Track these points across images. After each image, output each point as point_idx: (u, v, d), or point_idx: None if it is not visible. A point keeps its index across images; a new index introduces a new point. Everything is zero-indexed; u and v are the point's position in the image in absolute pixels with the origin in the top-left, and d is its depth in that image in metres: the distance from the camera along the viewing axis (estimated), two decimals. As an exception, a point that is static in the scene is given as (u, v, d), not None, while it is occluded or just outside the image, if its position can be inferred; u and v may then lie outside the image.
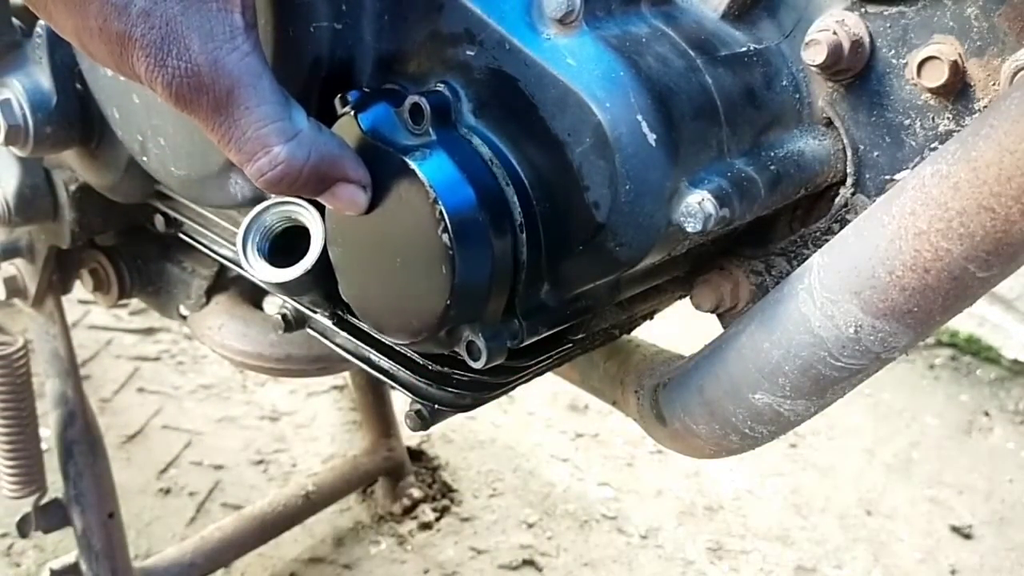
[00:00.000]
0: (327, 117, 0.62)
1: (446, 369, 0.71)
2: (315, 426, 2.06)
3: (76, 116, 0.93)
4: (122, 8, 0.54)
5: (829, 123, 0.69)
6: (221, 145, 0.57)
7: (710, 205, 0.59)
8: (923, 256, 0.57)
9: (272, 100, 0.56)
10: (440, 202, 0.57)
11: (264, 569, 1.70)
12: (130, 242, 1.17)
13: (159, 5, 0.54)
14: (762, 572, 1.77)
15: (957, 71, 0.62)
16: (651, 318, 0.85)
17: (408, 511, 1.82)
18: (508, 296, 0.62)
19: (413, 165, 0.58)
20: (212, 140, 0.57)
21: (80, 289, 1.25)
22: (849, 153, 0.68)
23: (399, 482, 1.84)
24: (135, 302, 1.74)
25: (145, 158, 0.83)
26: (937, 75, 0.63)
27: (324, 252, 0.67)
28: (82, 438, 1.32)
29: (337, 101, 0.63)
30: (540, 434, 2.05)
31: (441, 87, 0.62)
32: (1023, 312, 2.35)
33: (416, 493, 1.84)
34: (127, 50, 0.55)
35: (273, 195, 0.68)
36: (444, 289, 0.58)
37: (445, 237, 0.57)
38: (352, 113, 0.62)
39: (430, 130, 0.60)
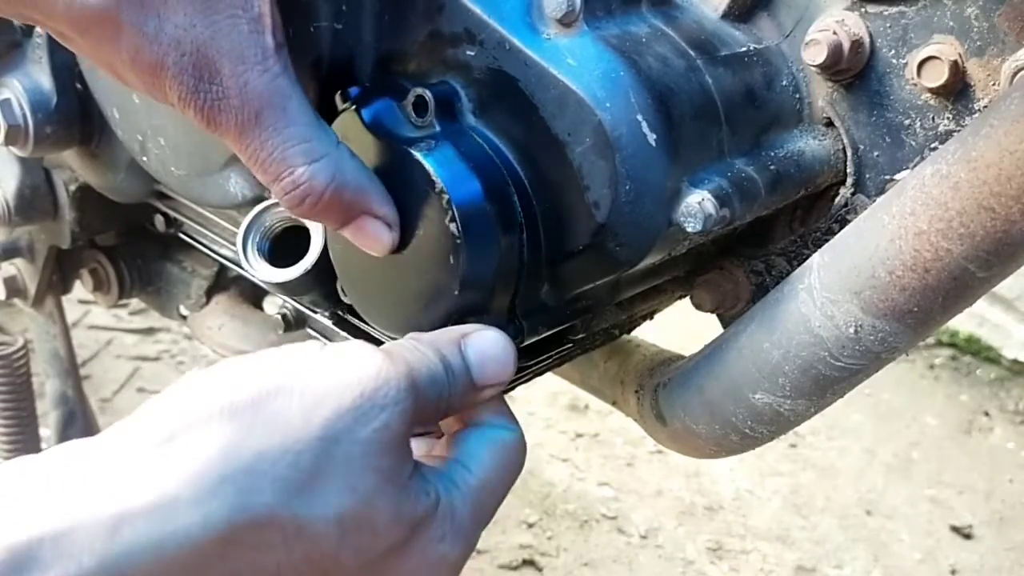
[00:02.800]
0: (327, 116, 0.62)
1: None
2: (315, 426, 2.05)
3: (76, 116, 0.93)
4: (153, 38, 0.53)
5: (829, 123, 0.69)
6: (250, 165, 0.57)
7: (710, 205, 0.59)
8: (923, 256, 0.57)
9: (300, 121, 0.56)
10: (447, 192, 0.57)
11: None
12: (130, 242, 1.17)
13: (189, 32, 0.53)
14: (762, 572, 1.77)
15: (957, 71, 0.62)
16: (651, 318, 0.85)
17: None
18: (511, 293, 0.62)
19: (419, 156, 0.58)
20: (245, 161, 0.57)
21: (80, 289, 1.25)
22: (849, 153, 0.68)
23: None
24: (135, 302, 1.73)
25: (145, 158, 0.83)
26: (937, 75, 0.63)
27: (324, 252, 0.67)
28: (82, 438, 1.31)
29: (338, 97, 0.63)
30: (540, 434, 2.05)
31: (445, 82, 0.62)
32: (1023, 312, 2.35)
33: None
34: (160, 79, 0.55)
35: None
36: (453, 280, 0.58)
37: (453, 227, 0.57)
38: (354, 108, 0.62)
39: (434, 122, 0.60)
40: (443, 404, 0.55)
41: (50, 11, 0.53)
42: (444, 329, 0.58)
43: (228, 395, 0.48)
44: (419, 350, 0.54)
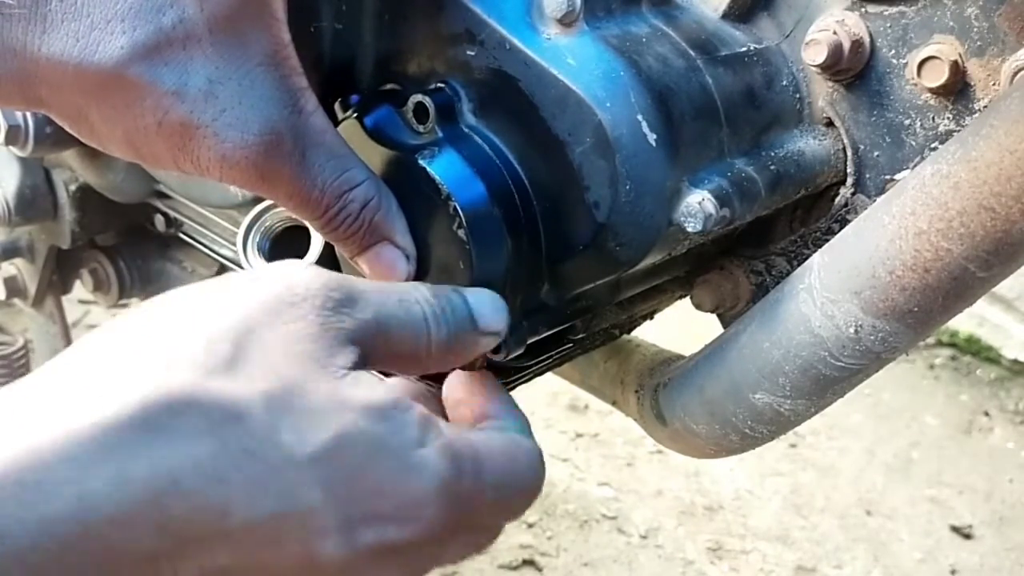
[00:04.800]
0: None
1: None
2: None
3: (76, 116, 0.93)
4: (182, 95, 0.50)
5: (829, 123, 0.69)
6: (292, 204, 0.56)
7: (710, 205, 0.59)
8: (923, 256, 0.57)
9: (339, 152, 0.56)
10: (454, 198, 0.57)
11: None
12: (130, 242, 1.17)
13: (219, 86, 0.51)
14: (762, 572, 1.77)
15: (957, 71, 0.63)
16: (651, 318, 0.85)
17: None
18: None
19: (424, 164, 0.58)
20: (287, 205, 0.56)
21: (80, 289, 1.25)
22: (849, 153, 0.68)
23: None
24: (135, 302, 1.73)
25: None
26: (937, 75, 0.63)
27: (324, 252, 0.67)
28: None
29: (338, 106, 0.63)
30: (540, 434, 2.04)
31: (442, 87, 0.62)
32: (1023, 312, 2.35)
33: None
34: (192, 139, 0.51)
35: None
36: (463, 284, 0.58)
37: (461, 232, 0.57)
38: (355, 116, 0.62)
39: (436, 128, 0.60)
40: (439, 339, 0.51)
41: (59, 82, 0.50)
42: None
43: (145, 317, 0.45)
44: (386, 285, 0.52)
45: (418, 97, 0.60)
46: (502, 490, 0.50)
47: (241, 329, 0.44)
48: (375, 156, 0.60)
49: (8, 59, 0.49)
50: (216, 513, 0.41)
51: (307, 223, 0.58)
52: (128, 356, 0.43)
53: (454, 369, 0.58)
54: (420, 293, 0.52)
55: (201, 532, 0.41)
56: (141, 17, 0.49)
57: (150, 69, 0.50)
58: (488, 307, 0.55)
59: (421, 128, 0.60)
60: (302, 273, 0.48)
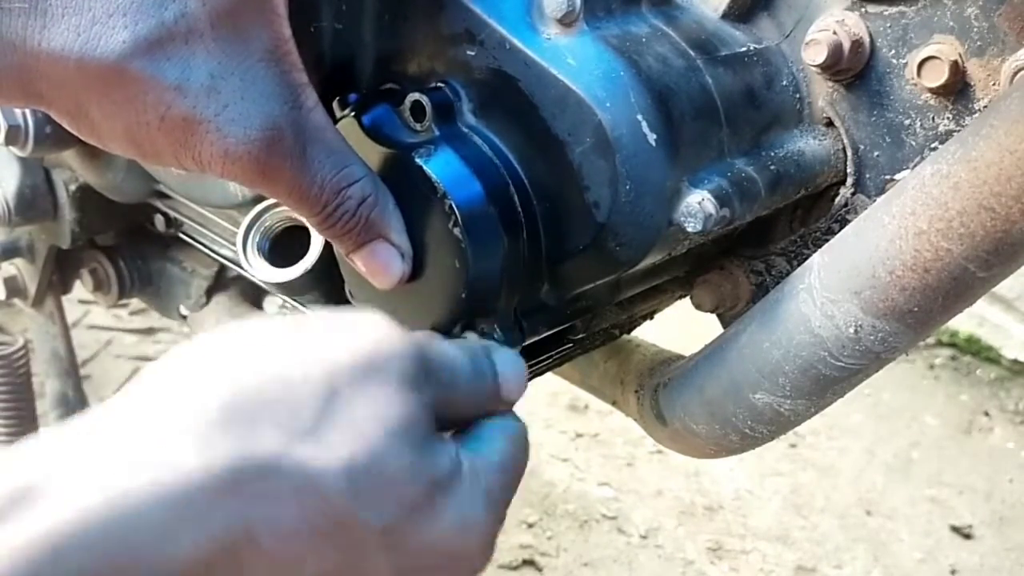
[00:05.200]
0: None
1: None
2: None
3: (76, 116, 0.93)
4: (185, 89, 0.50)
5: (829, 123, 0.69)
6: (295, 202, 0.56)
7: (710, 205, 0.59)
8: (923, 256, 0.57)
9: (338, 148, 0.56)
10: (450, 197, 0.57)
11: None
12: (130, 242, 1.17)
13: (221, 81, 0.51)
14: (762, 572, 1.77)
15: (957, 71, 0.63)
16: (651, 318, 0.85)
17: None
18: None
19: (420, 162, 0.58)
20: (286, 201, 0.56)
21: (80, 289, 1.25)
22: (849, 153, 0.68)
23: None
24: (135, 302, 1.73)
25: (145, 158, 0.83)
26: (937, 75, 0.63)
27: (324, 252, 0.67)
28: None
29: (336, 105, 0.63)
30: (540, 434, 2.05)
31: (440, 86, 0.62)
32: (1023, 312, 2.35)
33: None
34: (194, 135, 0.51)
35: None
36: (460, 282, 0.58)
37: (457, 231, 0.57)
38: (353, 115, 0.62)
39: (433, 127, 0.60)
40: (470, 399, 0.53)
41: (60, 78, 0.50)
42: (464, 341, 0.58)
43: (226, 358, 0.45)
44: (438, 339, 0.54)
45: (415, 95, 0.60)
46: (503, 503, 0.53)
47: (327, 391, 0.45)
48: (372, 155, 0.60)
49: (8, 54, 0.49)
50: (289, 571, 0.42)
51: (304, 220, 0.58)
52: (213, 406, 0.43)
53: None
54: (465, 358, 0.53)
55: None
56: (143, 11, 0.49)
57: (152, 63, 0.49)
58: (512, 371, 0.55)
59: (418, 126, 0.60)
60: (387, 336, 0.48)
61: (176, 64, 0.50)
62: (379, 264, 0.58)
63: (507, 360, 0.55)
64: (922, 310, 0.59)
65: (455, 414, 0.52)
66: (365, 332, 0.48)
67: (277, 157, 0.53)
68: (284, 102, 0.53)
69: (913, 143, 0.66)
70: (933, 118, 0.65)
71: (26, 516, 0.37)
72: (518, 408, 0.57)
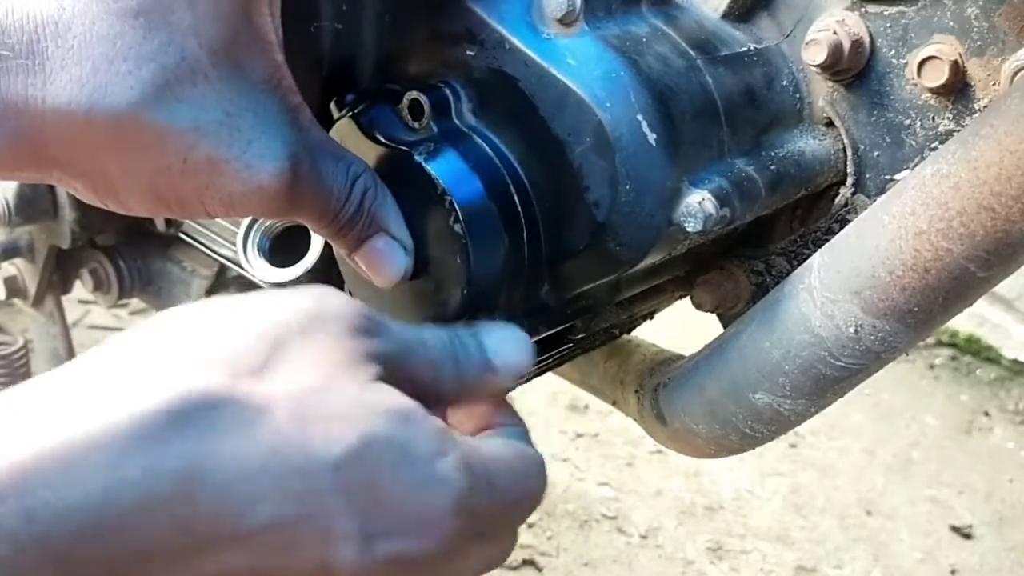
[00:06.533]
0: (325, 120, 0.62)
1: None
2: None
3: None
4: (203, 130, 0.49)
5: (829, 123, 0.69)
6: (316, 218, 0.56)
7: (710, 205, 0.59)
8: (923, 256, 0.57)
9: (340, 153, 0.56)
10: (450, 193, 0.57)
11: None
12: (130, 242, 1.17)
13: (238, 118, 0.50)
14: (762, 572, 1.77)
15: (957, 71, 0.63)
16: (651, 318, 0.85)
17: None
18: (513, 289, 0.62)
19: (420, 159, 0.58)
20: (308, 219, 0.56)
21: (80, 289, 1.25)
22: (849, 153, 0.68)
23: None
24: (135, 302, 1.73)
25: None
26: (937, 75, 0.63)
27: (324, 252, 0.67)
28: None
29: (333, 105, 0.63)
30: (540, 434, 2.04)
31: (440, 86, 0.62)
32: (1023, 312, 2.35)
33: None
34: (221, 175, 0.50)
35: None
36: (460, 279, 0.58)
37: (457, 227, 0.57)
38: (350, 114, 0.62)
39: (431, 125, 0.60)
40: (450, 371, 0.51)
41: (70, 136, 0.48)
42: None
43: (174, 321, 0.45)
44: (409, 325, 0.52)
45: (413, 94, 0.60)
46: (512, 503, 0.50)
47: (272, 338, 0.44)
48: (371, 154, 0.60)
49: (12, 119, 0.47)
50: (238, 512, 0.41)
51: (316, 228, 0.58)
52: (163, 354, 0.43)
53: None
54: (437, 332, 0.52)
55: (223, 530, 0.41)
56: (143, 56, 0.48)
57: (165, 109, 0.48)
58: (508, 346, 0.54)
59: (416, 125, 0.61)
60: (333, 296, 0.48)
61: (189, 106, 0.49)
62: (382, 259, 0.58)
63: (499, 335, 0.54)
64: (922, 310, 0.59)
65: (437, 390, 0.50)
66: (311, 292, 0.48)
67: (302, 182, 0.53)
68: (290, 126, 0.53)
69: (913, 143, 0.66)
70: (933, 118, 0.65)
71: None
72: (518, 409, 0.57)
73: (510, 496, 0.49)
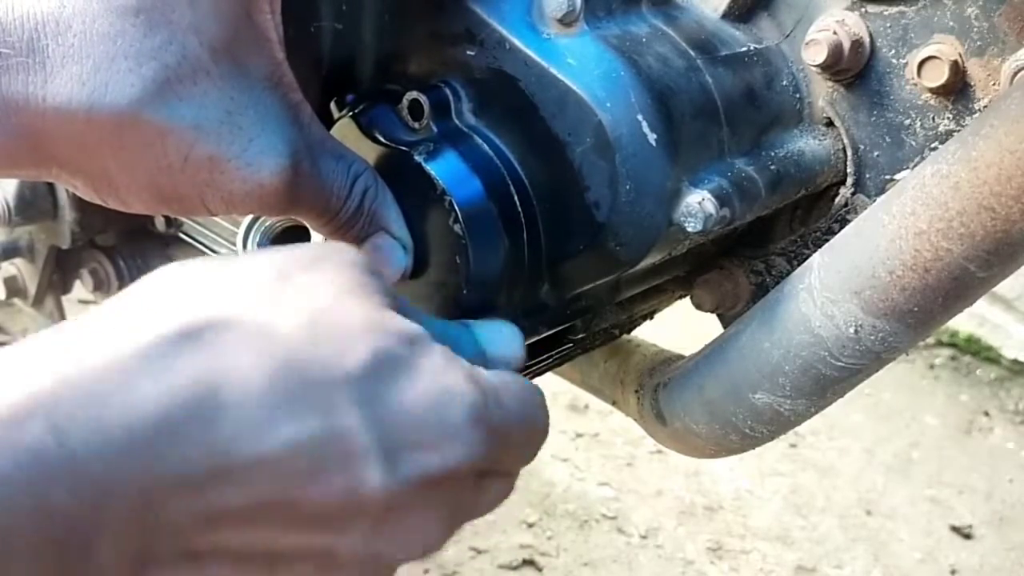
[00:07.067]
0: (326, 120, 0.62)
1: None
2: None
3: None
4: (204, 128, 0.49)
5: (829, 123, 0.69)
6: (316, 216, 0.56)
7: (710, 205, 0.59)
8: (923, 256, 0.57)
9: (341, 152, 0.56)
10: (449, 193, 0.57)
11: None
12: (130, 242, 1.17)
13: (239, 116, 0.50)
14: (762, 572, 1.77)
15: (957, 71, 0.63)
16: (651, 318, 0.85)
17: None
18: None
19: (419, 159, 0.58)
20: (308, 217, 0.56)
21: (80, 289, 1.25)
22: (849, 153, 0.68)
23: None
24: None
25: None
26: (937, 75, 0.63)
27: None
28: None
29: (333, 105, 0.63)
30: (540, 434, 2.04)
31: (440, 86, 0.62)
32: (1023, 312, 2.35)
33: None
34: (223, 173, 0.51)
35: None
36: (460, 279, 0.59)
37: (457, 228, 0.57)
38: (350, 114, 0.62)
39: (431, 125, 0.60)
40: None
41: (71, 134, 0.48)
42: None
43: (182, 271, 0.45)
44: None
45: (413, 94, 0.60)
46: (522, 426, 0.49)
47: (280, 270, 0.44)
48: (370, 154, 0.60)
49: (12, 117, 0.47)
50: (258, 431, 0.40)
51: (316, 228, 0.59)
52: (174, 295, 0.43)
53: None
54: (432, 319, 0.52)
55: (245, 451, 0.39)
56: (144, 54, 0.48)
57: (166, 107, 0.48)
58: (500, 339, 0.54)
59: (416, 125, 0.61)
60: (344, 245, 0.49)
61: (190, 105, 0.49)
62: (382, 258, 0.58)
63: (490, 328, 0.54)
64: (922, 310, 0.59)
65: None
66: (324, 244, 0.48)
67: (303, 180, 0.53)
68: (291, 124, 0.53)
69: (913, 143, 0.66)
70: (933, 118, 0.65)
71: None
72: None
73: (519, 418, 0.48)
